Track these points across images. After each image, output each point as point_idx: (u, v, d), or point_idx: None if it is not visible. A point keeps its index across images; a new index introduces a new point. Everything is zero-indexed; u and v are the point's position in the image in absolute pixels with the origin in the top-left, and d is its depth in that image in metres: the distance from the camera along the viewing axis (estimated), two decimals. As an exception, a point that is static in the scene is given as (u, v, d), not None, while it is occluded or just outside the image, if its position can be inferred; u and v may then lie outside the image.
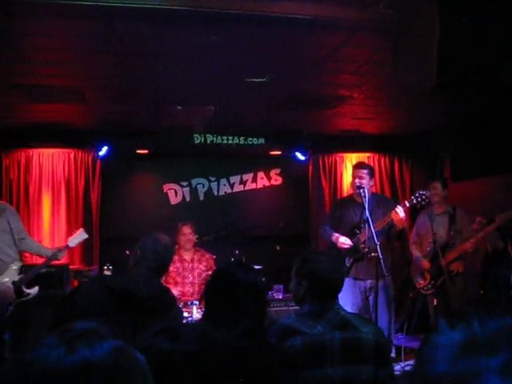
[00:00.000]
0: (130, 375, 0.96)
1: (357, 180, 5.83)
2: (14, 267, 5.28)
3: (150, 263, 3.32)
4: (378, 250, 5.15)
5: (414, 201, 5.58)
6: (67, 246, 5.63)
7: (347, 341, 2.60)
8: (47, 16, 3.80)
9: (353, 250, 5.80)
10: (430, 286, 6.32)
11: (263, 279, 2.65)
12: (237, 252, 6.57)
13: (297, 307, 6.13)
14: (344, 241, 5.81)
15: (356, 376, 2.55)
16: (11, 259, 5.32)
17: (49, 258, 5.51)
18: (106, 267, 6.37)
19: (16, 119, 6.86)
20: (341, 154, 8.34)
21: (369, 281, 5.82)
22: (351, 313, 3.06)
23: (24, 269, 5.38)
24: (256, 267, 6.35)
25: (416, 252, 6.55)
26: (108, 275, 6.26)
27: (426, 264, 6.31)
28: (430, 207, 6.30)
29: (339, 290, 2.87)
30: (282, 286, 6.68)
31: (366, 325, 2.73)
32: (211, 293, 2.52)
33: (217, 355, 1.51)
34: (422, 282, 6.40)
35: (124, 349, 0.99)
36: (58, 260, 5.65)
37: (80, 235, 5.76)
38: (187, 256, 6.81)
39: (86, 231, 7.45)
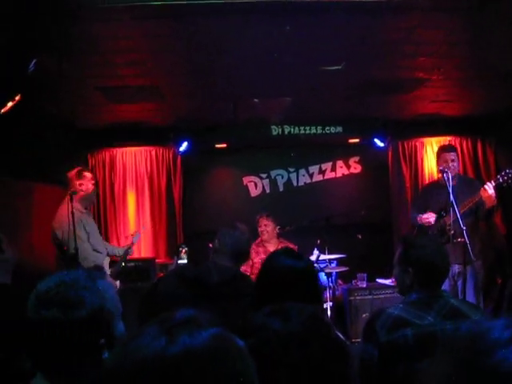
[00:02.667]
0: (231, 361, 0.96)
1: (450, 164, 5.72)
2: (107, 262, 5.58)
3: (226, 251, 3.43)
4: (465, 235, 5.02)
5: (501, 179, 5.39)
6: (132, 243, 5.94)
7: None
8: (126, 19, 3.92)
9: (439, 233, 5.68)
10: None
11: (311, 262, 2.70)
12: (318, 241, 6.56)
13: (387, 294, 6.06)
14: (427, 216, 5.71)
15: None
16: (104, 255, 5.60)
17: (122, 255, 5.80)
18: (181, 248, 6.55)
19: (100, 120, 7.12)
20: (421, 139, 8.16)
21: (456, 265, 5.67)
22: (460, 300, 2.97)
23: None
24: (338, 256, 6.36)
25: None
26: (185, 265, 6.48)
27: None
28: None
29: (447, 276, 2.79)
30: (365, 275, 6.63)
31: (476, 312, 2.62)
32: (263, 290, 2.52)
33: (324, 337, 1.52)
34: None
35: (224, 335, 1.00)
36: (130, 255, 5.93)
37: (137, 234, 6.10)
38: (271, 247, 6.86)
39: (170, 226, 7.74)
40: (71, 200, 5.01)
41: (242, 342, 1.03)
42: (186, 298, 2.99)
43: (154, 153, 7.89)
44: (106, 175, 7.75)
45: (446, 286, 5.65)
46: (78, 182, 5.40)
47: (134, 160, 7.85)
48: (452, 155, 5.79)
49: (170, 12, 3.94)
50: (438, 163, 5.94)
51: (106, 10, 3.76)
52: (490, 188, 5.32)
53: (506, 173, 5.39)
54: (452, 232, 5.47)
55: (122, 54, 4.76)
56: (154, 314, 1.05)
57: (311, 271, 2.58)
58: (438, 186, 5.98)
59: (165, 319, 1.00)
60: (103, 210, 7.44)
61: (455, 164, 5.74)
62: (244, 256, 3.62)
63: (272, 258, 2.62)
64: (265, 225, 6.86)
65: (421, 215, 5.82)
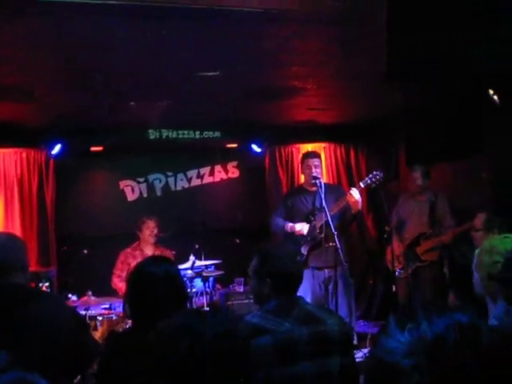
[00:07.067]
0: None
1: (313, 170, 5.87)
2: None
3: None
4: (336, 239, 5.19)
5: (369, 181, 5.64)
6: None
7: (315, 335, 2.60)
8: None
9: (309, 237, 5.83)
10: (402, 272, 6.31)
11: (176, 267, 2.83)
12: (196, 246, 6.54)
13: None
14: (301, 227, 5.83)
15: (326, 369, 2.57)
16: None
17: None
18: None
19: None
20: (297, 145, 8.34)
21: (326, 270, 5.85)
22: (314, 305, 3.07)
23: None
24: (215, 261, 6.38)
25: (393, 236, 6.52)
26: None
27: (399, 248, 6.32)
28: (412, 193, 6.40)
29: (300, 282, 2.87)
30: (242, 279, 6.69)
31: (330, 316, 2.74)
32: (132, 297, 2.67)
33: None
34: (397, 265, 6.31)
35: (17, 381, 0.89)
36: None
37: None
38: (149, 251, 6.77)
39: (42, 231, 7.39)
40: None
41: (43, 382, 0.93)
42: None
43: (24, 155, 7.48)
44: (-30, 178, 7.27)
45: (316, 290, 5.84)
46: None
47: (2, 162, 7.39)
48: (316, 161, 5.99)
49: (40, 8, 3.76)
50: (302, 169, 6.12)
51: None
52: (355, 193, 5.53)
53: (373, 175, 5.65)
54: (322, 236, 5.66)
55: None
56: None
57: (179, 274, 2.76)
58: (301, 192, 6.16)
59: None
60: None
61: (318, 170, 5.92)
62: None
63: (144, 264, 2.78)
64: (153, 227, 6.77)
65: (289, 224, 5.93)
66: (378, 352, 0.92)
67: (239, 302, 6.60)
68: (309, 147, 8.20)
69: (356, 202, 5.55)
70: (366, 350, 5.86)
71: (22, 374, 0.90)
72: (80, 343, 2.89)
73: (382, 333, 0.95)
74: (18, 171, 7.44)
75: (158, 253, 6.78)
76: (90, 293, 5.71)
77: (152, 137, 7.60)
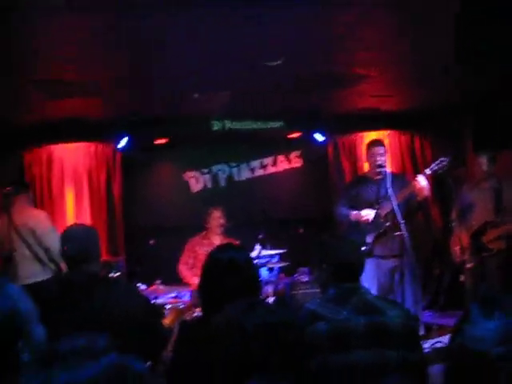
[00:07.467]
0: None
1: (378, 158, 5.78)
2: None
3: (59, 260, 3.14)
4: (402, 228, 5.11)
5: (435, 167, 5.48)
6: None
7: (372, 325, 2.56)
8: (60, 12, 3.81)
9: (374, 225, 5.73)
10: (468, 262, 6.16)
11: (244, 254, 2.76)
12: (260, 236, 6.57)
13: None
14: (366, 213, 5.74)
15: (383, 361, 2.52)
16: None
17: None
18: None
19: (36, 116, 6.88)
20: (360, 134, 8.25)
21: (392, 259, 5.75)
22: (377, 296, 3.04)
23: None
24: (280, 251, 6.38)
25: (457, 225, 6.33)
26: None
27: (465, 238, 6.16)
28: (476, 181, 6.24)
29: (362, 272, 2.88)
30: (307, 269, 6.68)
31: (392, 308, 2.68)
32: (201, 284, 2.70)
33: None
34: (463, 255, 6.14)
35: (118, 365, 0.93)
36: None
37: None
38: (216, 241, 6.80)
39: (110, 222, 7.59)
40: None
41: (141, 366, 0.97)
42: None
43: (93, 149, 7.69)
44: (44, 172, 7.49)
45: (382, 280, 5.75)
46: None
47: (72, 157, 7.61)
48: (380, 149, 5.86)
49: (107, 5, 3.86)
50: (367, 158, 6.03)
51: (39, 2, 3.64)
52: (422, 180, 5.41)
53: (440, 161, 5.50)
54: (387, 225, 5.57)
55: (58, 48, 4.62)
56: None
57: (248, 263, 2.73)
58: (365, 180, 6.05)
59: (47, 353, 0.94)
60: (40, 208, 7.22)
61: (383, 158, 5.80)
62: (70, 259, 3.12)
63: (213, 251, 2.77)
64: (219, 217, 6.84)
65: (355, 212, 5.84)
66: (463, 340, 0.89)
67: (304, 291, 6.59)
68: (372, 135, 8.09)
69: (421, 188, 5.42)
70: (433, 341, 5.75)
71: (117, 360, 0.93)
72: (152, 330, 2.98)
73: (465, 321, 0.93)
74: (87, 165, 7.66)
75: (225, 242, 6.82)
76: (158, 282, 5.82)
77: (215, 128, 7.67)
